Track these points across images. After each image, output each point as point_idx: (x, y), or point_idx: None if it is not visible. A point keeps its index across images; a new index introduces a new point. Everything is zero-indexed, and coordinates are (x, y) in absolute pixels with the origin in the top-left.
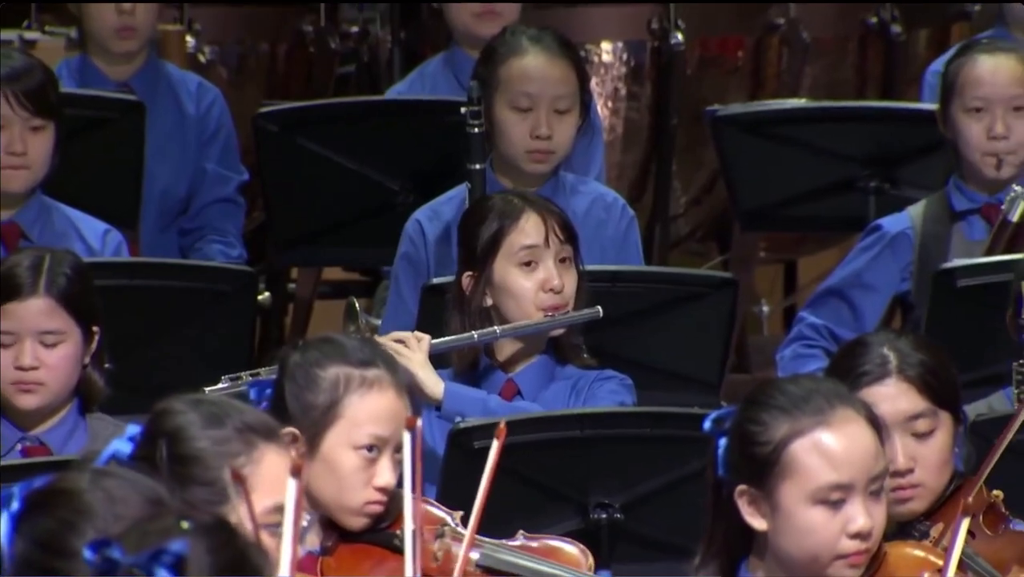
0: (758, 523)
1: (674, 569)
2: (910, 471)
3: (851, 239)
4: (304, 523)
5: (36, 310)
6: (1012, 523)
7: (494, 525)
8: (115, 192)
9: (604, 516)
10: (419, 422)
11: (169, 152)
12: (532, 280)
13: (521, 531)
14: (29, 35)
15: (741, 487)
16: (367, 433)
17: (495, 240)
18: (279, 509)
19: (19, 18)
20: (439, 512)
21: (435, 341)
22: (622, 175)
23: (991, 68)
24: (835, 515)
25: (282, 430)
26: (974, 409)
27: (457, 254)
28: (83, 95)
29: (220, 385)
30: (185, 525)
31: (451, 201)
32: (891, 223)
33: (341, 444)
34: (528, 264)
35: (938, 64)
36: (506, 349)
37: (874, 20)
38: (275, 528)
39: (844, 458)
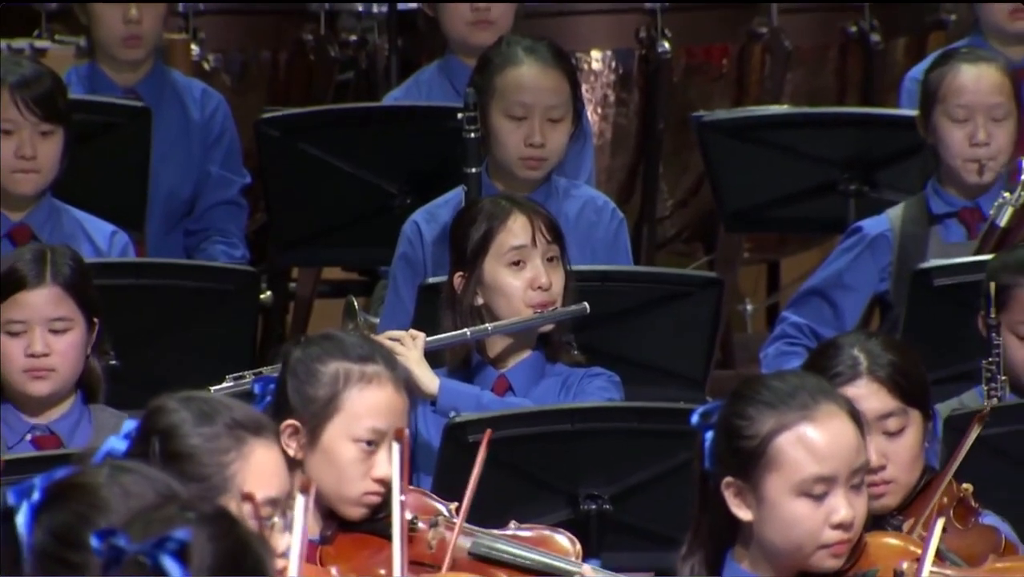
0: (744, 514)
1: (661, 558)
2: (882, 468)
3: (832, 240)
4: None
5: (45, 299)
6: (982, 516)
7: (488, 515)
8: (122, 195)
9: (593, 507)
10: (407, 432)
11: (174, 156)
12: (521, 279)
13: (513, 521)
14: (40, 44)
15: (727, 479)
16: (366, 426)
17: (485, 241)
18: (270, 502)
19: (30, 27)
20: (434, 503)
21: (430, 339)
22: (611, 178)
23: (974, 77)
24: (818, 506)
25: (272, 425)
26: (947, 406)
27: (449, 254)
28: (91, 101)
29: (224, 384)
30: (188, 514)
31: (447, 204)
32: (871, 225)
33: (341, 436)
34: (517, 263)
35: (916, 71)
36: (497, 345)
37: (854, 29)
38: (267, 521)
39: (827, 452)
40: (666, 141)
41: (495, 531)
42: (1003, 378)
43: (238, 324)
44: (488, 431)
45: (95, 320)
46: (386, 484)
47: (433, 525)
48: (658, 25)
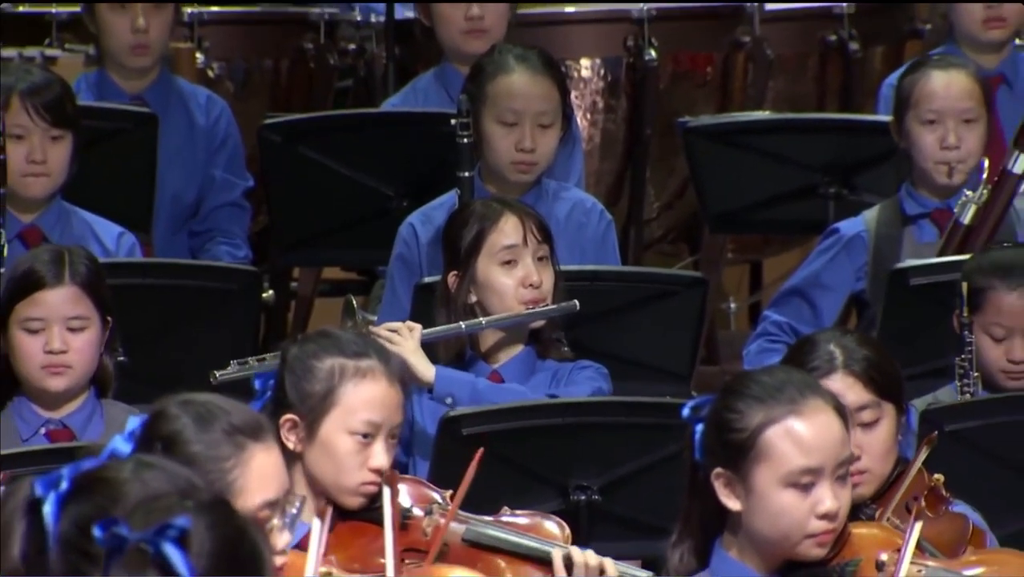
0: (733, 504)
1: (648, 547)
2: (857, 459)
3: (812, 240)
4: (294, 509)
5: (63, 298)
6: (952, 505)
7: (482, 505)
8: (130, 197)
9: (583, 497)
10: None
11: (180, 160)
12: (512, 277)
13: (505, 507)
14: (50, 52)
15: (717, 470)
16: (361, 419)
17: (477, 241)
18: (270, 505)
19: (41, 36)
20: (429, 491)
21: (426, 331)
22: (600, 182)
23: (944, 83)
24: (805, 497)
25: (270, 425)
26: (923, 401)
27: (443, 254)
28: (100, 107)
29: (229, 369)
30: (188, 503)
31: (442, 206)
32: (847, 227)
33: (337, 429)
34: (508, 262)
35: (893, 78)
36: (489, 340)
37: (833, 38)
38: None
39: (814, 444)
40: (653, 146)
41: (488, 517)
42: (975, 375)
43: (242, 322)
44: (480, 450)
45: (108, 318)
46: (382, 474)
47: (428, 513)
48: (645, 34)
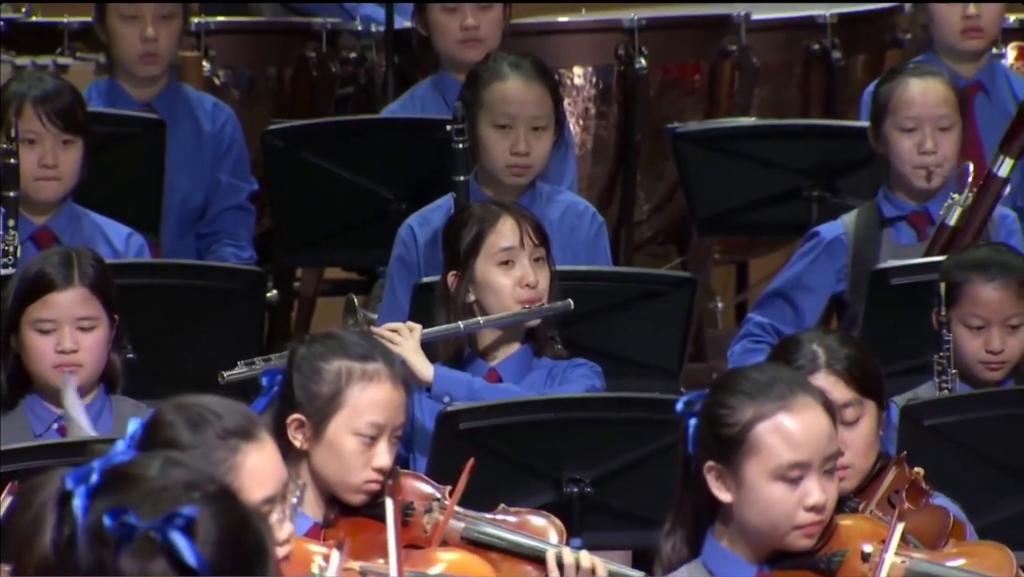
0: (724, 496)
1: (639, 537)
2: (840, 454)
3: (796, 242)
4: (294, 499)
5: (72, 299)
6: (933, 497)
7: (478, 498)
8: (139, 201)
9: (576, 490)
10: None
11: (187, 165)
12: (510, 277)
13: (503, 505)
14: (62, 60)
15: (709, 463)
16: (367, 421)
17: (476, 242)
18: (269, 500)
19: (54, 45)
20: (429, 488)
21: (425, 331)
22: (592, 185)
23: (921, 90)
24: (793, 490)
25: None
26: (903, 398)
27: (442, 255)
28: (110, 114)
29: (237, 369)
30: (194, 493)
31: (439, 209)
32: (827, 230)
33: (343, 430)
34: (506, 263)
35: (874, 86)
36: (487, 339)
37: (816, 47)
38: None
39: (803, 440)
40: (643, 151)
41: (487, 515)
42: (953, 371)
43: (246, 320)
44: (472, 461)
45: (115, 317)
46: (384, 473)
47: (428, 511)
48: (635, 43)
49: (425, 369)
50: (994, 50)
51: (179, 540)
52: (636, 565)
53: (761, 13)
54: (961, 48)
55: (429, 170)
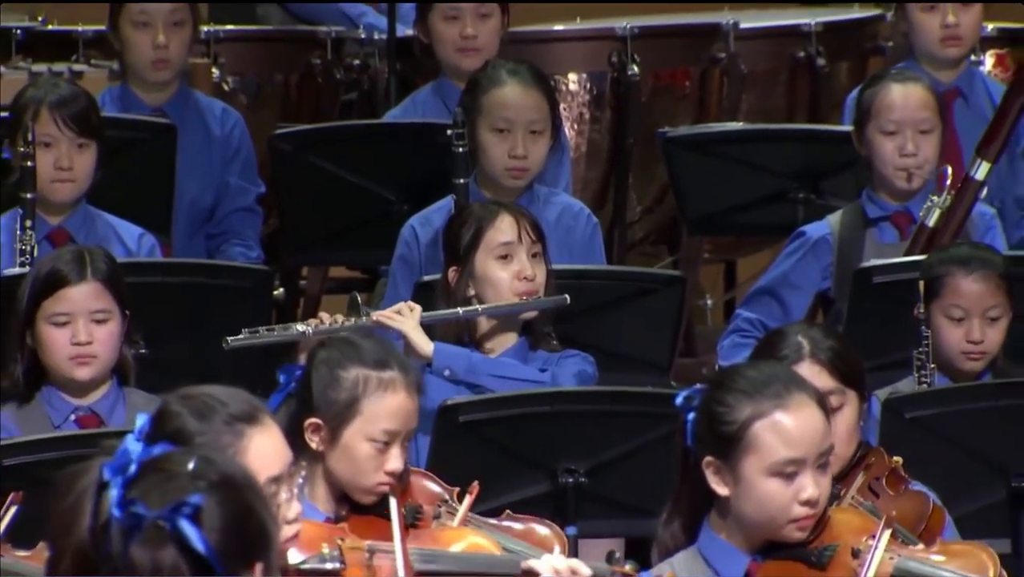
0: (722, 490)
1: (632, 525)
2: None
3: (783, 242)
4: (300, 479)
5: (86, 293)
6: (911, 484)
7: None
8: (150, 202)
9: (571, 480)
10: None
11: (197, 168)
12: (508, 271)
13: (507, 511)
14: (77, 67)
15: (708, 458)
16: (381, 428)
17: (476, 238)
18: (275, 480)
19: (69, 52)
20: (438, 489)
21: (426, 314)
22: (586, 188)
23: (902, 95)
24: (789, 485)
25: (264, 407)
26: (884, 392)
27: (443, 252)
28: (123, 119)
29: (240, 336)
30: (200, 483)
31: (440, 210)
32: (812, 230)
33: (358, 436)
34: (504, 257)
35: (857, 91)
36: (484, 327)
37: (802, 54)
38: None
39: (798, 437)
40: (635, 154)
41: (492, 520)
42: (932, 366)
43: (254, 317)
44: (476, 486)
45: (127, 312)
46: (396, 476)
47: (436, 517)
48: (628, 51)
49: (425, 345)
50: (972, 57)
51: (188, 528)
52: (629, 552)
53: (749, 22)
54: (940, 55)
55: (430, 173)
